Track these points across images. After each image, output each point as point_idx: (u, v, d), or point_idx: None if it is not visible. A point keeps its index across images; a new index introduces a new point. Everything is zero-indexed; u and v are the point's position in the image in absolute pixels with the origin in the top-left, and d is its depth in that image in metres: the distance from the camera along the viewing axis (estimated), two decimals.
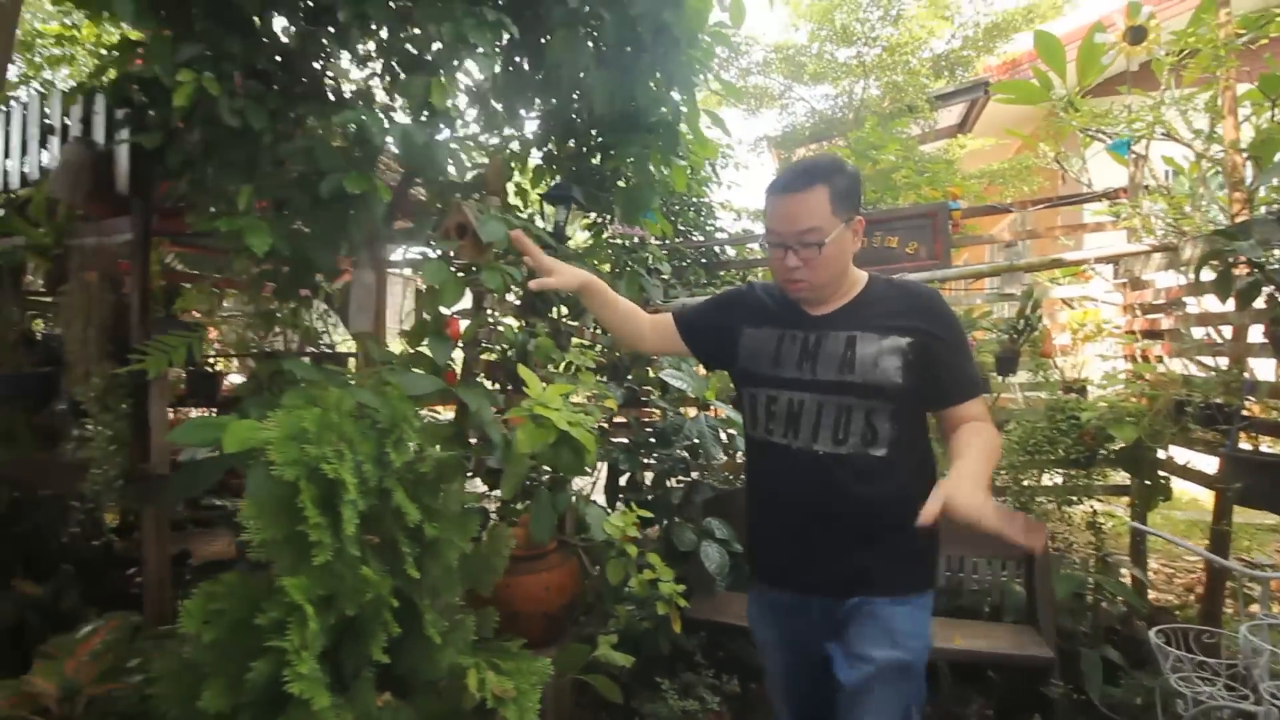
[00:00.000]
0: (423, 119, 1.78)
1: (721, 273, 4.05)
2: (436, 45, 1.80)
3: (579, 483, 2.32)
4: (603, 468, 2.76)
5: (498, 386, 2.40)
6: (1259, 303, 2.12)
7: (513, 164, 2.77)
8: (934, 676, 2.31)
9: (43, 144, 2.17)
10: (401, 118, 1.99)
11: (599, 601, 2.43)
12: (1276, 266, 2.00)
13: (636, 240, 3.12)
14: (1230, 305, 2.24)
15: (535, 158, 2.85)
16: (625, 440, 2.82)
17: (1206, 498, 3.88)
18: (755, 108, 8.58)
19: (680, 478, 2.85)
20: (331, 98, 1.96)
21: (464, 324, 2.14)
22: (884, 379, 1.20)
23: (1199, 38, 2.71)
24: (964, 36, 7.88)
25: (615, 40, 2.11)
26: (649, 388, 3.00)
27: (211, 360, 2.85)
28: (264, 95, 1.62)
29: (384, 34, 1.92)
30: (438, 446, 1.57)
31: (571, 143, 2.72)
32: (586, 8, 2.07)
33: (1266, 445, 2.45)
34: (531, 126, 2.74)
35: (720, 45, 2.55)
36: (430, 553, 1.34)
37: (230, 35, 1.62)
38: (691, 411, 2.92)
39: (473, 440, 2.00)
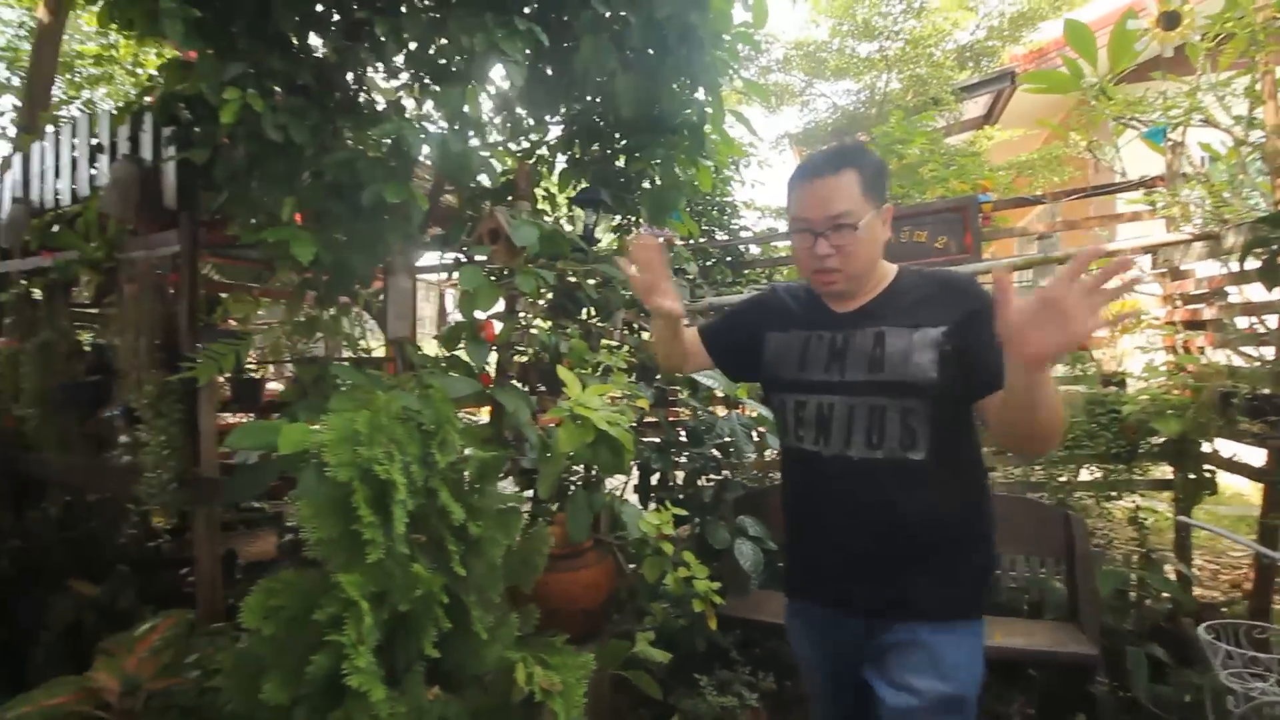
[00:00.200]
0: (454, 128, 1.82)
1: (746, 271, 4.05)
2: (465, 55, 1.84)
3: (611, 482, 2.35)
4: (633, 467, 2.78)
5: (526, 388, 2.44)
6: None
7: (540, 169, 2.81)
8: None
9: (91, 162, 2.27)
10: (429, 126, 2.04)
11: (632, 599, 2.46)
12: None
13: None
14: (1277, 294, 2.19)
15: (560, 162, 2.89)
16: (656, 439, 2.84)
17: (1253, 492, 3.77)
18: (776, 105, 8.54)
19: (711, 476, 2.86)
20: (365, 110, 2.02)
21: (497, 327, 2.18)
22: (917, 375, 1.10)
23: (1236, 21, 2.65)
24: (989, 27, 7.75)
25: (641, 44, 2.13)
26: (677, 387, 3.02)
27: (254, 367, 2.94)
28: (304, 110, 1.67)
29: (414, 46, 1.97)
30: (478, 447, 1.61)
31: (595, 146, 2.75)
32: (613, 12, 2.10)
33: None
34: (555, 131, 2.78)
35: (744, 45, 2.56)
36: (474, 551, 1.37)
37: (271, 52, 1.67)
38: (721, 410, 2.93)
39: (509, 441, 2.04)
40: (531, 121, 2.65)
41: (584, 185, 2.74)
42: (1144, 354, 2.95)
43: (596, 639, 2.04)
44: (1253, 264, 2.15)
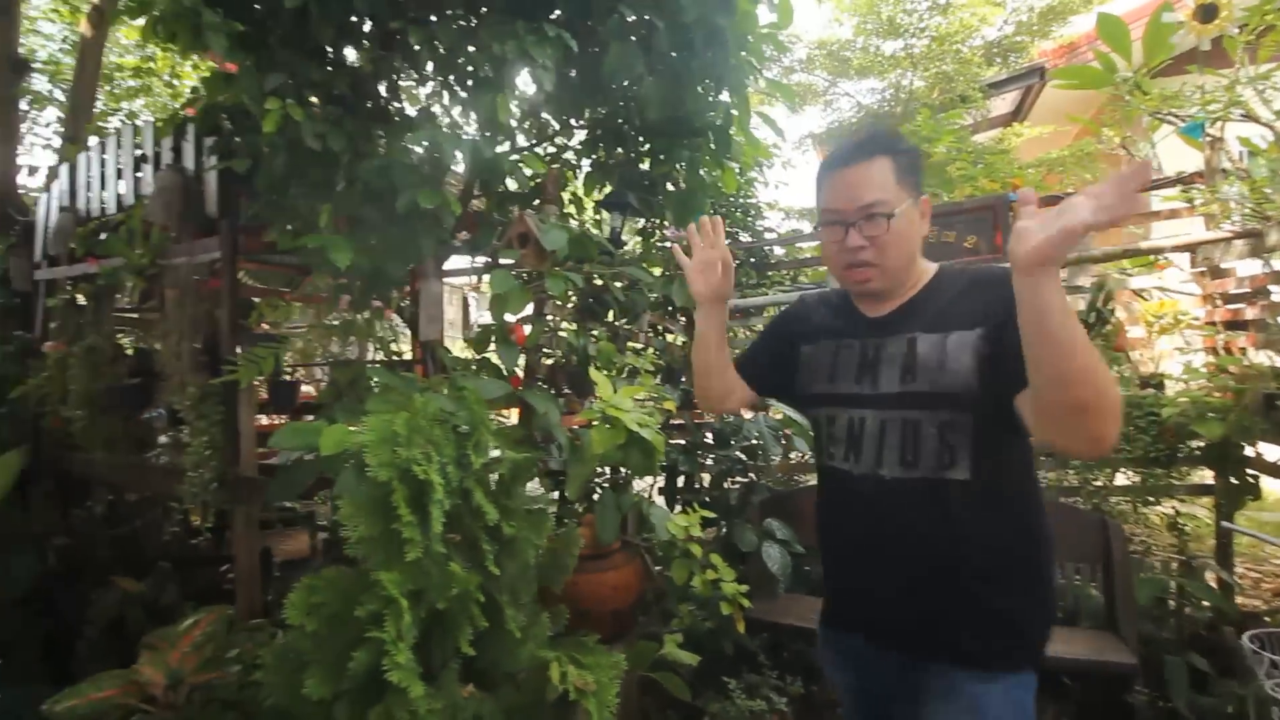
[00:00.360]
0: (485, 134, 1.85)
1: (771, 273, 4.04)
2: (496, 62, 1.87)
3: (637, 484, 2.36)
4: (659, 469, 2.79)
5: (552, 390, 2.46)
6: None
7: (566, 173, 2.84)
8: None
9: (135, 171, 2.35)
10: (461, 132, 2.08)
11: (659, 601, 2.46)
12: None
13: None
14: None
15: (584, 165, 2.91)
16: (682, 441, 2.85)
17: None
18: (799, 105, 8.49)
19: (737, 478, 2.86)
20: (398, 118, 2.06)
21: (526, 329, 2.20)
22: (954, 383, 0.98)
23: (1276, 13, 2.58)
24: (1017, 22, 7.61)
25: (667, 48, 2.14)
26: None
27: (289, 370, 3.01)
28: (341, 118, 1.71)
29: (446, 53, 2.00)
30: (510, 449, 1.63)
31: (620, 149, 2.76)
32: (639, 17, 2.11)
33: None
34: (580, 134, 2.80)
35: (770, 46, 2.56)
36: (508, 551, 1.39)
37: (309, 63, 1.72)
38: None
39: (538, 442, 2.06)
40: (557, 125, 2.67)
41: (608, 188, 2.76)
42: (1183, 355, 2.87)
43: (624, 640, 2.05)
44: None
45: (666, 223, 2.92)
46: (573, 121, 2.68)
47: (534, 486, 2.29)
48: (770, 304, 3.69)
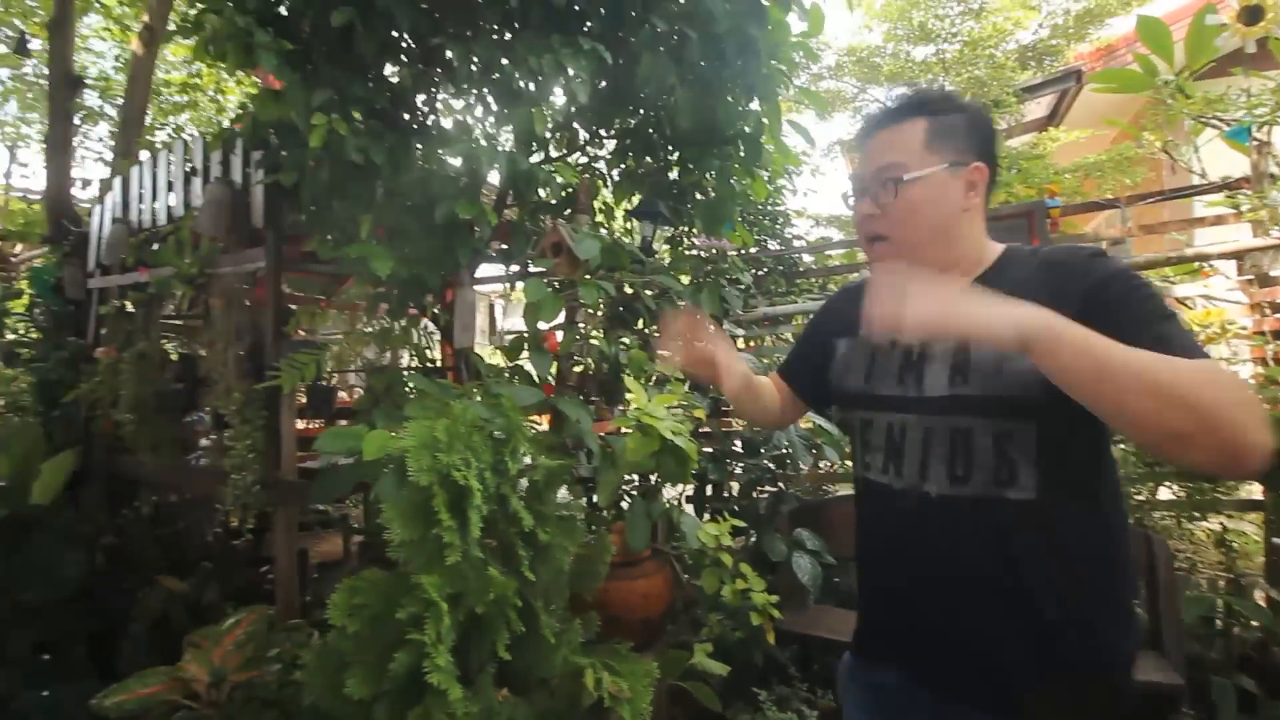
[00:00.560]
0: (521, 146, 1.88)
1: (799, 281, 4.02)
2: (532, 75, 1.91)
3: (665, 491, 2.36)
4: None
5: (582, 397, 2.48)
6: None
7: (596, 182, 2.87)
8: None
9: (185, 184, 2.44)
10: (497, 144, 2.12)
11: (687, 609, 2.46)
12: None
13: (715, 251, 3.16)
14: None
15: (614, 174, 2.94)
16: (710, 449, 2.84)
17: None
18: (828, 112, 8.46)
19: (766, 487, 2.85)
20: (434, 130, 2.11)
21: (557, 337, 2.23)
22: (1015, 388, 0.83)
23: None
24: (1052, 25, 7.49)
25: (699, 58, 2.16)
26: None
27: (326, 376, 3.08)
28: (382, 132, 1.76)
29: (482, 67, 2.05)
30: (543, 455, 1.65)
31: (649, 158, 2.79)
32: (672, 27, 2.14)
33: None
34: (609, 144, 2.83)
35: (801, 54, 2.56)
36: (542, 557, 1.41)
37: (352, 79, 1.77)
38: None
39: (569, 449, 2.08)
40: (586, 135, 2.71)
41: (638, 197, 2.78)
42: (1230, 366, 2.79)
43: (653, 649, 2.05)
44: None
45: (695, 231, 2.94)
46: (602, 131, 2.71)
47: (563, 493, 2.31)
48: (798, 312, 3.67)
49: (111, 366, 2.62)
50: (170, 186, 2.48)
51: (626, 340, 2.38)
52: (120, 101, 4.72)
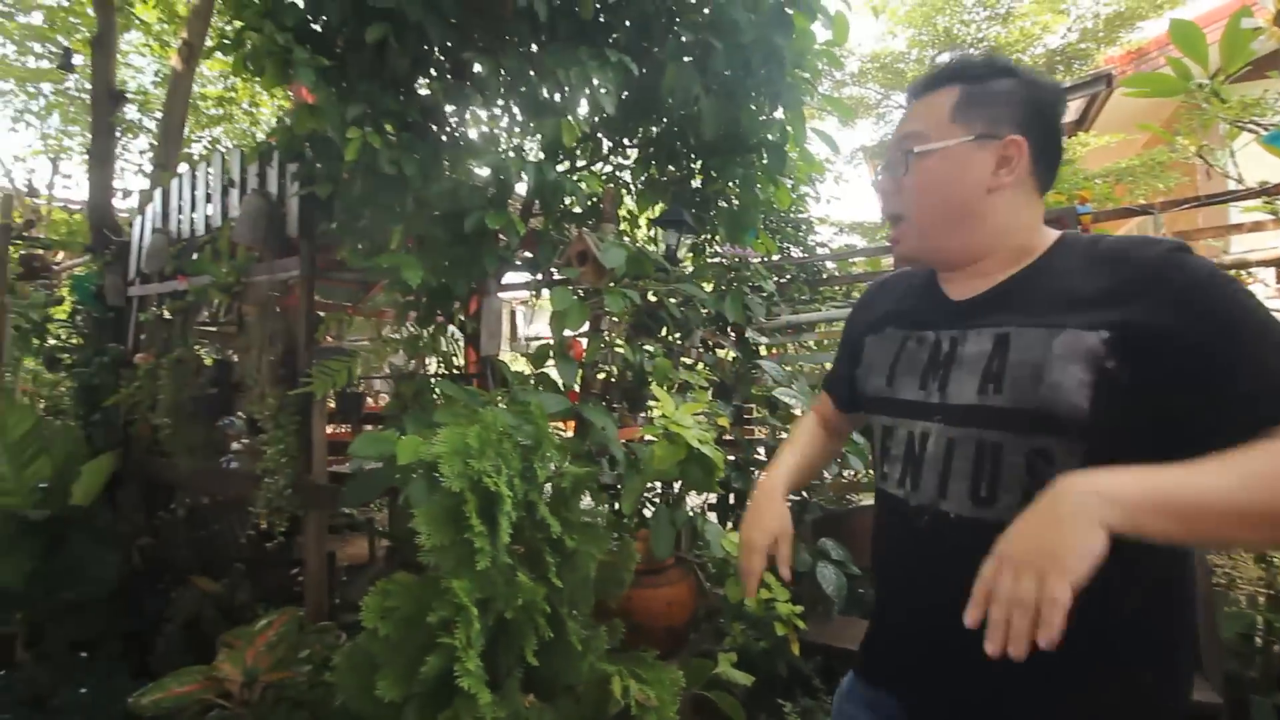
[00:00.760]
0: (548, 157, 1.91)
1: (822, 288, 4.00)
2: (560, 87, 1.94)
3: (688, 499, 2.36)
4: None
5: (605, 404, 2.50)
6: None
7: (620, 190, 2.90)
8: None
9: (223, 196, 2.52)
10: (524, 155, 2.15)
11: (709, 618, 2.45)
12: None
13: (738, 259, 3.17)
14: None
15: (637, 183, 2.96)
16: (733, 457, 2.84)
17: None
18: (851, 119, 8.42)
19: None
20: (463, 142, 2.15)
21: (582, 344, 2.25)
22: (1052, 403, 0.71)
23: None
24: (1081, 29, 7.39)
25: (725, 68, 2.18)
26: (753, 405, 3.01)
27: (356, 383, 3.14)
28: (414, 144, 1.80)
29: (510, 80, 2.09)
30: (569, 462, 1.67)
31: (672, 167, 2.81)
32: (698, 38, 2.15)
33: None
34: (632, 153, 2.86)
35: (826, 62, 2.57)
36: (569, 563, 1.42)
37: (385, 93, 1.82)
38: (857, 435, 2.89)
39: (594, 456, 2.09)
40: (610, 144, 2.74)
41: (661, 206, 2.80)
42: None
43: (677, 657, 2.05)
44: None
45: (718, 239, 2.95)
46: (625, 140, 2.74)
47: (585, 500, 2.33)
48: (822, 320, 3.65)
49: (150, 372, 2.70)
50: (208, 198, 2.56)
51: (650, 348, 2.39)
52: (159, 115, 4.88)
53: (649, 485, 2.17)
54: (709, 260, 3.09)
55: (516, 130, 2.37)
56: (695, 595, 2.15)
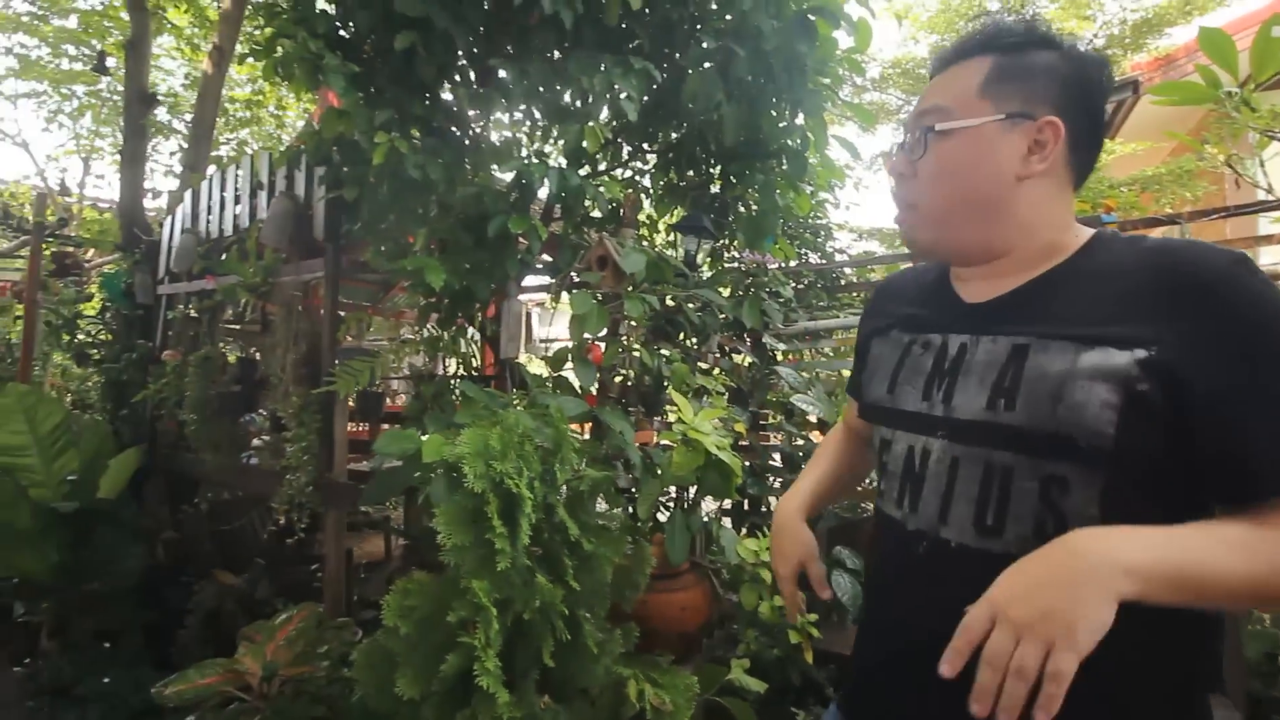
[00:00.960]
0: (571, 162, 1.93)
1: (841, 295, 3.98)
2: (584, 94, 1.96)
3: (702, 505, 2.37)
4: None
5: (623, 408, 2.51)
6: None
7: (640, 195, 2.91)
8: None
9: (252, 197, 2.57)
10: (547, 160, 2.18)
11: (722, 624, 2.45)
12: None
13: (755, 265, 3.17)
14: None
15: (656, 188, 2.98)
16: (748, 463, 2.83)
17: None
18: (872, 125, 8.37)
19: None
20: (486, 147, 2.18)
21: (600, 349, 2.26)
22: (1074, 426, 0.63)
23: None
24: (1108, 35, 7.30)
25: (747, 74, 2.19)
26: (769, 411, 3.01)
27: (378, 383, 3.18)
28: (439, 149, 1.82)
29: (534, 87, 2.11)
30: (585, 465, 1.68)
31: (691, 172, 2.82)
32: (720, 44, 2.16)
33: None
34: (652, 158, 2.87)
35: (847, 68, 2.57)
36: (586, 566, 1.43)
37: (412, 99, 1.85)
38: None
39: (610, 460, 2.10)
40: (629, 149, 2.75)
41: (680, 211, 2.81)
42: None
43: (690, 662, 2.05)
44: None
45: (736, 245, 2.95)
46: (645, 145, 2.76)
47: (600, 504, 2.34)
48: (839, 326, 3.64)
49: (177, 369, 2.76)
50: (237, 199, 2.61)
51: (667, 352, 2.40)
52: (189, 117, 4.98)
53: (664, 490, 2.18)
54: (727, 266, 3.09)
55: (539, 135, 2.40)
56: (709, 601, 2.15)
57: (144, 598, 2.82)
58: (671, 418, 2.06)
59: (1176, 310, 0.62)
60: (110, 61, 5.57)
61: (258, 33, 4.66)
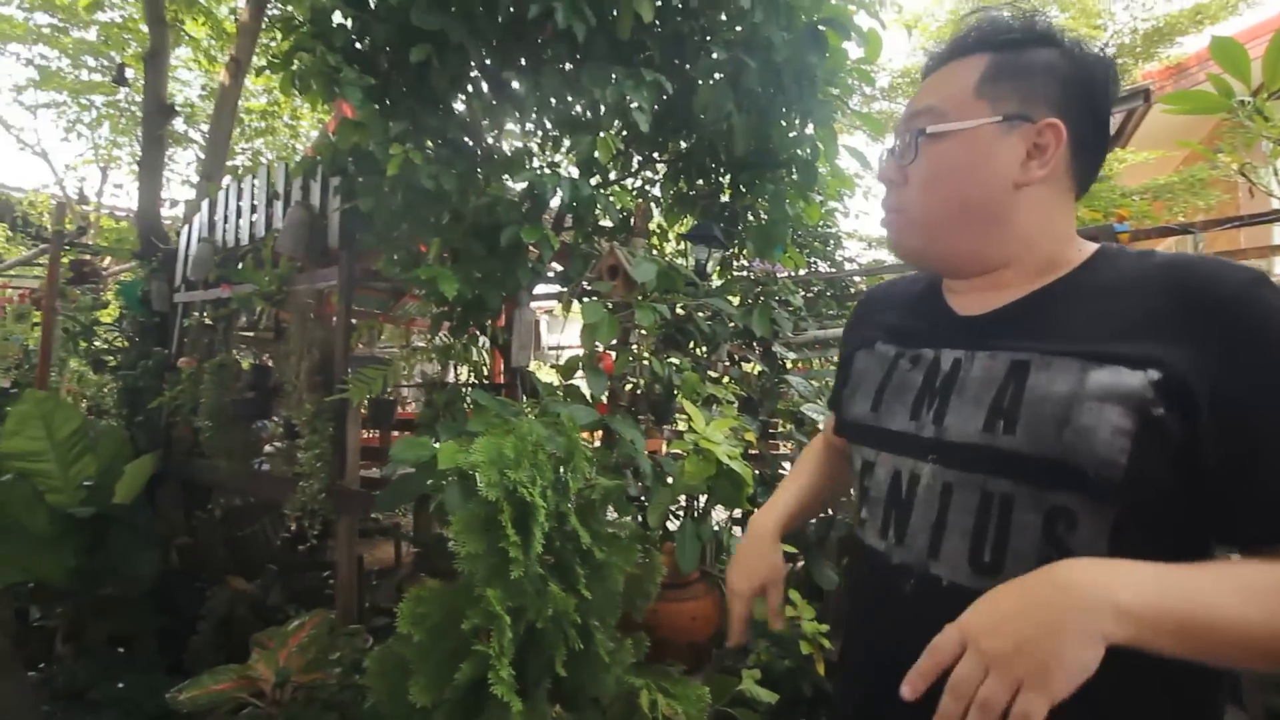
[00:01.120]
0: (583, 173, 1.95)
1: (850, 303, 3.99)
2: (596, 106, 1.98)
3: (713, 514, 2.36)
4: None
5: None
6: None
7: (649, 205, 2.93)
8: None
9: (268, 207, 2.60)
10: (559, 170, 2.20)
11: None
12: None
13: (765, 274, 3.17)
14: None
15: (665, 197, 2.99)
16: (760, 472, 2.83)
17: None
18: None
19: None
20: (498, 157, 2.20)
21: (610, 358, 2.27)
22: (1082, 453, 0.57)
23: None
24: (1119, 44, 7.28)
25: (758, 85, 2.20)
26: (779, 420, 3.00)
27: (388, 390, 3.21)
28: (452, 160, 1.85)
29: (547, 98, 2.14)
30: (596, 473, 1.68)
31: (700, 181, 2.83)
32: (731, 55, 2.18)
33: None
34: (661, 167, 2.89)
35: (857, 78, 2.58)
36: (597, 575, 1.43)
37: (426, 110, 1.87)
38: None
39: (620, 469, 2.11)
40: (640, 159, 2.77)
41: (689, 220, 2.83)
42: None
43: (700, 673, 2.05)
44: None
45: (746, 254, 2.96)
46: (655, 155, 2.77)
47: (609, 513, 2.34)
48: None
49: (193, 376, 2.79)
50: (253, 209, 2.65)
51: (676, 361, 2.41)
52: (204, 127, 5.06)
53: (675, 499, 2.18)
54: (737, 274, 3.10)
55: (550, 145, 2.42)
56: (720, 610, 2.15)
57: (157, 603, 2.84)
58: (681, 426, 2.06)
59: (1191, 329, 0.57)
60: (129, 73, 5.67)
61: (274, 45, 4.75)
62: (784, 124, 2.44)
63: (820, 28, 2.16)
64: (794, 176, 2.60)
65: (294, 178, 2.30)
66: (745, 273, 3.09)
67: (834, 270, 4.17)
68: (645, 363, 2.35)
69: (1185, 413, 0.56)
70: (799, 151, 2.54)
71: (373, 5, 1.82)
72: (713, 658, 2.26)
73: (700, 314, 2.49)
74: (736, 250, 3.00)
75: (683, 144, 2.70)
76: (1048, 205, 0.68)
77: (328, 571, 2.95)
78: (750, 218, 2.82)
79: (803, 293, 3.82)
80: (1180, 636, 0.50)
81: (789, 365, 3.21)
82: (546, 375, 2.54)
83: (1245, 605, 0.51)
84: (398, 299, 4.77)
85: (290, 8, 2.07)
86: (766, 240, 2.70)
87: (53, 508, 2.71)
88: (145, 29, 4.48)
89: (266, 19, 4.01)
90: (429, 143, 1.86)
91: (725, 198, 2.82)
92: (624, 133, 2.54)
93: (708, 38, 2.26)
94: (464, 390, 2.12)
